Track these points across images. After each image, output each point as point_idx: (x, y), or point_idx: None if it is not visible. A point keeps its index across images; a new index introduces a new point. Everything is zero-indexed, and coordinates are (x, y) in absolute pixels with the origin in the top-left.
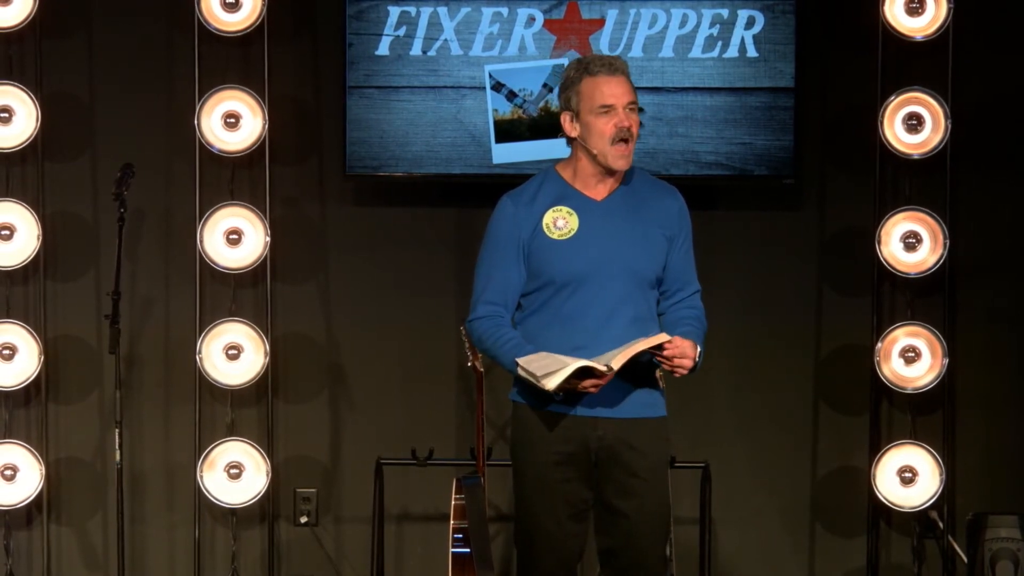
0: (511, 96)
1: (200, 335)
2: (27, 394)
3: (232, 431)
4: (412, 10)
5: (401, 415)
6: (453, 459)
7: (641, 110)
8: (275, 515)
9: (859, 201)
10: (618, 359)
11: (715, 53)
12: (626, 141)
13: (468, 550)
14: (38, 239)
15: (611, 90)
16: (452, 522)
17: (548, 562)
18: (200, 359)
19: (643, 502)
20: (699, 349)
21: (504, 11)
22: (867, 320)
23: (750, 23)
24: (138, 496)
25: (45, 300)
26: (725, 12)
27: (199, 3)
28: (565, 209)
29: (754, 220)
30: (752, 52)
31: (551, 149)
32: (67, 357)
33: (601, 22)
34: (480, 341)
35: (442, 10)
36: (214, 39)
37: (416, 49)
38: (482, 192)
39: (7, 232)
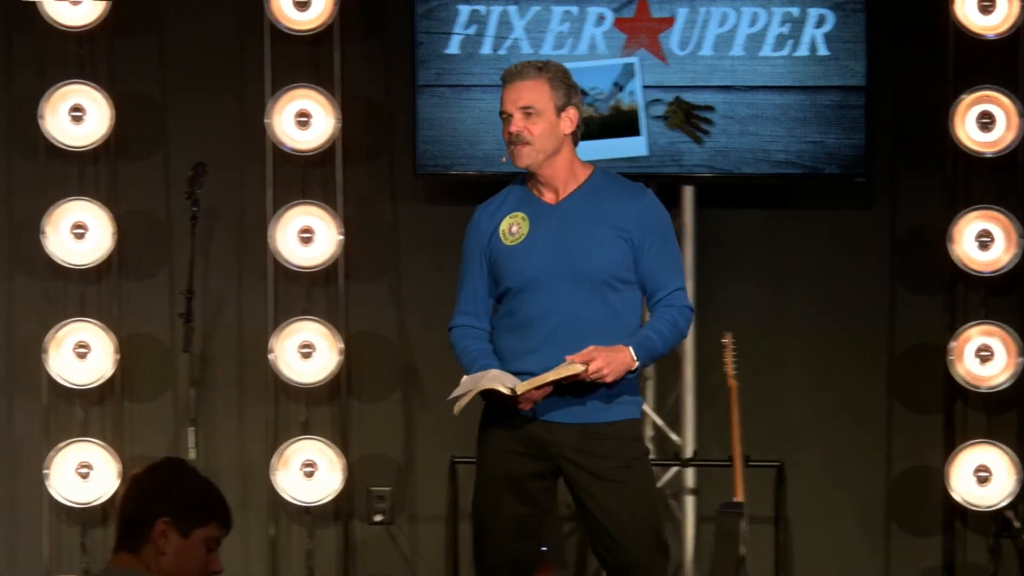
0: (582, 95)
1: (273, 334)
2: (102, 393)
3: (306, 430)
4: (482, 9)
5: (474, 413)
6: None
7: (711, 108)
8: (350, 514)
9: (931, 199)
10: (524, 384)
11: (786, 52)
12: (518, 143)
13: (543, 548)
14: (112, 238)
15: (505, 97)
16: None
17: (493, 560)
18: (273, 358)
19: (614, 503)
20: (630, 351)
21: (574, 10)
22: (940, 319)
23: (820, 21)
24: None
25: (119, 299)
26: (795, 11)
27: (270, 3)
28: (520, 215)
29: (825, 219)
30: (823, 51)
31: (622, 148)
32: (141, 355)
33: (671, 20)
34: (454, 350)
35: (512, 9)
36: (285, 38)
37: (486, 48)
38: None
39: (81, 231)
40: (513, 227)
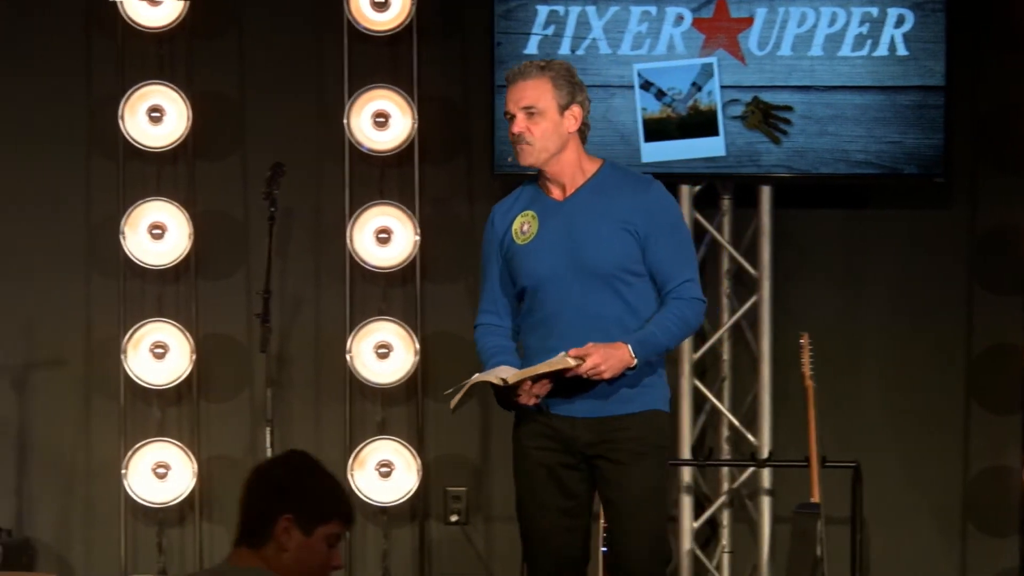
0: (660, 95)
1: (350, 334)
2: (179, 392)
3: (382, 430)
4: (560, 9)
5: None
6: None
7: (790, 109)
8: (425, 514)
9: (1010, 199)
10: (516, 375)
11: (865, 52)
12: (520, 144)
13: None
14: (189, 238)
15: (508, 97)
16: (603, 521)
17: (545, 559)
18: (350, 358)
19: (622, 486)
20: (629, 348)
21: (652, 10)
22: (1019, 319)
23: (900, 21)
24: None
25: (196, 299)
26: (875, 11)
27: (348, 3)
28: (531, 213)
29: (904, 219)
30: (902, 50)
31: (700, 148)
32: (218, 355)
33: (750, 21)
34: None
35: (590, 9)
36: (363, 39)
37: (565, 48)
38: None
39: (159, 231)
40: (524, 226)
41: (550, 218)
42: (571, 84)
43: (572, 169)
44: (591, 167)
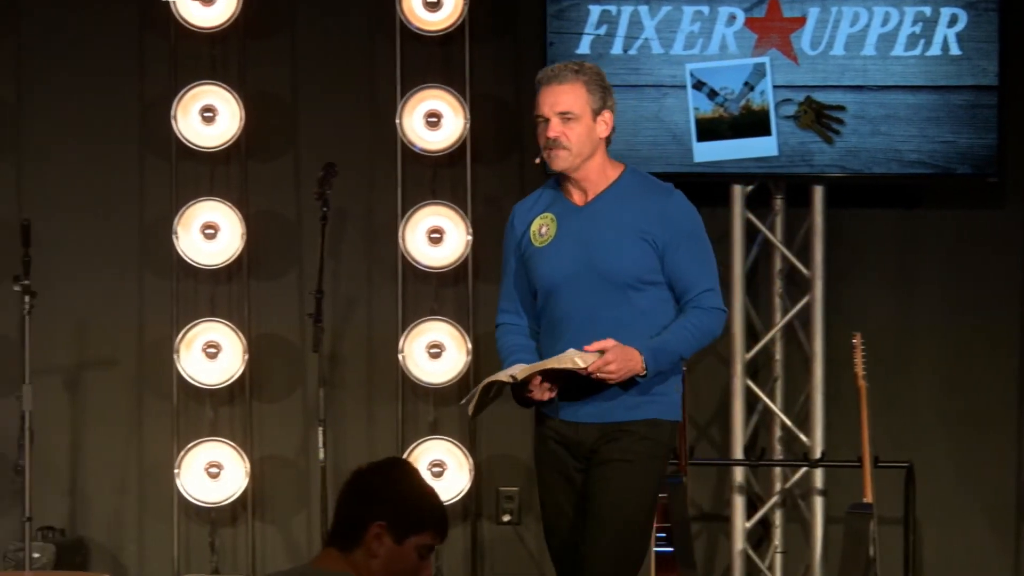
0: (712, 95)
1: (402, 334)
2: (231, 392)
3: (434, 429)
4: (613, 9)
5: None
6: None
7: (842, 108)
8: (478, 514)
9: None
10: (525, 370)
11: (918, 51)
12: (556, 148)
13: (671, 549)
14: (242, 238)
15: (542, 100)
16: (655, 521)
17: (564, 554)
18: (402, 358)
19: (607, 488)
20: (642, 358)
21: (705, 10)
22: None
23: (953, 21)
24: None
25: (249, 299)
26: (928, 10)
27: (401, 3)
28: (550, 216)
29: (957, 219)
30: (955, 50)
31: (752, 147)
32: (271, 355)
33: (802, 20)
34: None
35: (643, 9)
36: (416, 38)
37: (617, 48)
38: (683, 191)
39: (211, 231)
40: (542, 228)
41: (569, 222)
42: (603, 88)
43: (596, 175)
44: (614, 173)
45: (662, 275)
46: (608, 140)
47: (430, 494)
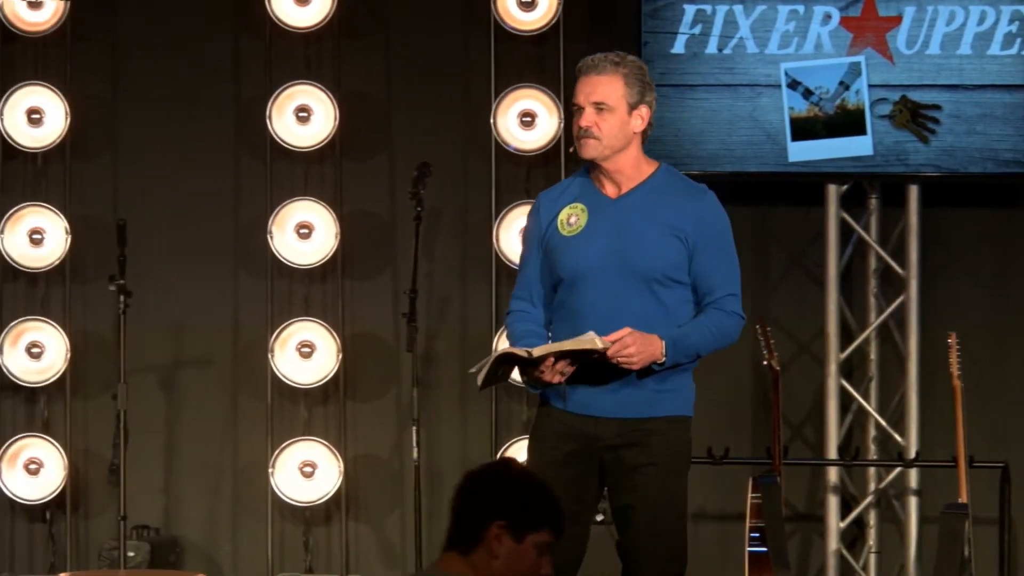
0: (807, 94)
1: (496, 333)
2: (325, 392)
3: (527, 429)
4: (708, 8)
5: (697, 414)
6: (749, 458)
7: (938, 107)
8: None
9: None
10: (542, 348)
11: (1014, 50)
12: (587, 137)
13: (765, 549)
14: (336, 237)
15: (579, 89)
16: (748, 521)
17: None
18: None
19: (644, 496)
20: (663, 345)
21: (800, 9)
22: None
23: None
24: (435, 493)
25: (343, 298)
26: None
27: (495, 3)
28: (580, 206)
29: None
30: None
31: (847, 147)
32: (365, 355)
33: (898, 19)
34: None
35: (738, 8)
36: (510, 38)
37: (712, 47)
38: (778, 190)
39: (306, 231)
40: (572, 218)
41: (601, 213)
42: (642, 83)
43: (630, 169)
44: (648, 169)
45: (688, 275)
46: (645, 135)
47: (545, 492)
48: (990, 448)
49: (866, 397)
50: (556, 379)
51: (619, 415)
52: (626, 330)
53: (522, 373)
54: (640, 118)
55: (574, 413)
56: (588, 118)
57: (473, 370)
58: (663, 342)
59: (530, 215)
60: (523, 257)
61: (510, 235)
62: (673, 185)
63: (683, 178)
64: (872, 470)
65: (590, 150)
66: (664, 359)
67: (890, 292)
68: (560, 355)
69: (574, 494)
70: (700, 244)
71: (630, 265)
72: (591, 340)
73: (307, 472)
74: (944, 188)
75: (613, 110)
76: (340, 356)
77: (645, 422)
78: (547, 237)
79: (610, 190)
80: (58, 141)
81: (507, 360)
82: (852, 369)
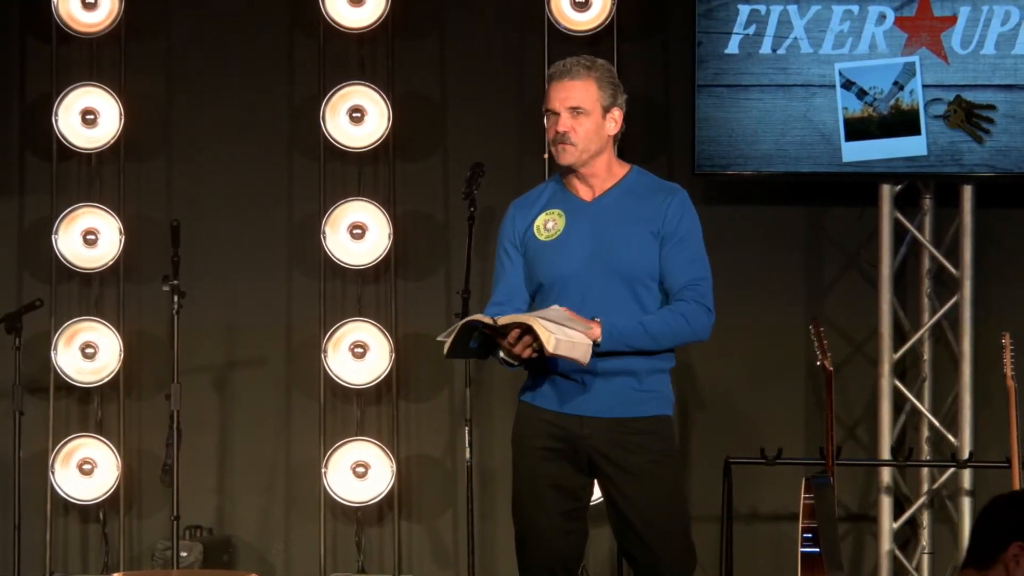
0: (861, 94)
1: None
2: (378, 392)
3: None
4: (762, 8)
5: (749, 414)
6: (802, 458)
7: (993, 108)
8: None
9: None
10: (506, 318)
11: None
12: (563, 143)
13: (818, 550)
14: (389, 238)
15: (553, 94)
16: (801, 522)
17: (540, 560)
18: None
19: (641, 498)
20: (599, 331)
21: (855, 9)
22: None
23: None
24: (488, 493)
25: (396, 298)
26: None
27: (549, 3)
28: (556, 211)
29: None
30: None
31: (901, 147)
32: (417, 355)
33: (953, 19)
34: None
35: (792, 8)
36: (564, 38)
37: (766, 47)
38: (832, 191)
39: (359, 231)
40: (548, 223)
41: (578, 217)
42: (614, 86)
43: (604, 171)
44: (620, 171)
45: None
46: (616, 138)
47: None
48: None
49: (919, 397)
50: (527, 354)
51: (605, 415)
52: (596, 321)
53: (495, 355)
54: (613, 120)
55: (559, 412)
56: (564, 123)
57: (440, 337)
58: (599, 327)
59: (502, 224)
60: (498, 266)
61: None
62: (646, 186)
63: (655, 178)
64: (925, 471)
65: (567, 156)
66: (599, 340)
67: (944, 292)
68: (525, 330)
69: (563, 495)
70: (668, 239)
71: (610, 266)
72: (556, 311)
73: (360, 472)
74: (998, 188)
75: (588, 114)
76: (393, 356)
77: (633, 422)
78: (524, 244)
79: (584, 193)
80: (112, 142)
81: (474, 327)
82: (905, 369)
